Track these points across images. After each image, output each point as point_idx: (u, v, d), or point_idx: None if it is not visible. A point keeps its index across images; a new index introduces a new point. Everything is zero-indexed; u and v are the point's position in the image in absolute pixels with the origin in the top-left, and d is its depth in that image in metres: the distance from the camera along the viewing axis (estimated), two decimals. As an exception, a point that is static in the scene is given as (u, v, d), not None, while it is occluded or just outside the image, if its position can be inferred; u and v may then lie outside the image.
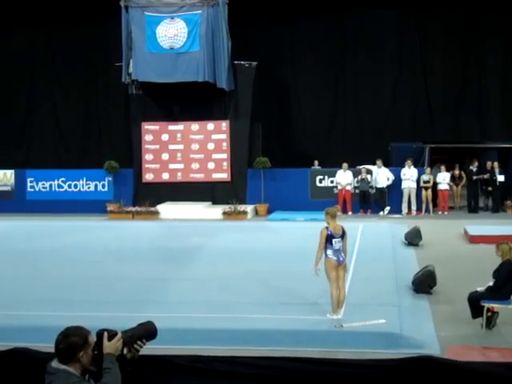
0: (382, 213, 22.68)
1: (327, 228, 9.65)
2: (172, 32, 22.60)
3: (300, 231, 19.10)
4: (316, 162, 24.39)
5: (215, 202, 23.84)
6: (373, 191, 23.10)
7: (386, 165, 23.12)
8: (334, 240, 9.58)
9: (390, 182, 22.78)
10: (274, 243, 16.85)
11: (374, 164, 22.96)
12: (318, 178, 23.68)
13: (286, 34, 25.23)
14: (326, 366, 5.03)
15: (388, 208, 22.79)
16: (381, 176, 22.78)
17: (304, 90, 25.59)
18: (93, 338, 4.05)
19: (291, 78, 25.67)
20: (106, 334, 4.06)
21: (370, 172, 23.09)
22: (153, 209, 22.95)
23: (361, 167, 23.09)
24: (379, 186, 22.80)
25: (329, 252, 9.57)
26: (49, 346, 4.39)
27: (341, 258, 9.62)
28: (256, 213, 23.27)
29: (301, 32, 25.14)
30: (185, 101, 23.83)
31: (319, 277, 9.44)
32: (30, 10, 25.54)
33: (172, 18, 22.63)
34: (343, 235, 9.71)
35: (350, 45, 25.36)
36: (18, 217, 22.49)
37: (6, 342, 6.87)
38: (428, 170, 23.06)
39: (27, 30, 26.01)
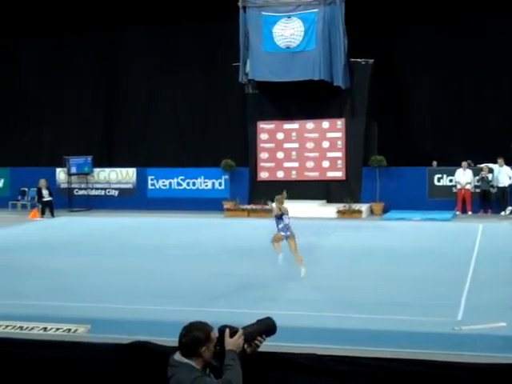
0: (503, 213, 21.92)
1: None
2: (288, 31, 22.75)
3: (417, 231, 18.79)
4: (434, 163, 23.86)
5: (330, 200, 23.79)
6: (494, 190, 22.37)
7: (507, 163, 22.33)
8: (284, 216, 12.32)
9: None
10: (389, 243, 16.63)
11: (495, 162, 22.26)
12: (437, 176, 23.18)
13: (402, 32, 24.71)
14: (443, 369, 4.95)
15: (510, 208, 22.00)
16: (502, 175, 22.04)
17: (421, 89, 25.01)
18: (215, 334, 4.17)
19: (409, 76, 25.11)
20: (227, 330, 4.16)
21: (491, 171, 22.39)
22: (267, 207, 23.13)
23: (482, 165, 22.42)
24: (501, 185, 22.06)
25: (280, 227, 12.25)
26: (172, 340, 4.55)
27: (288, 233, 12.20)
28: (371, 212, 23.04)
29: (418, 30, 24.57)
30: (300, 99, 23.89)
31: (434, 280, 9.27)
32: (151, 10, 26.29)
33: (289, 17, 22.79)
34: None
35: (468, 43, 24.55)
36: (139, 213, 23.31)
37: (130, 335, 7.15)
38: (553, 168, 22.11)
39: (148, 28, 26.85)
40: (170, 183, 25.59)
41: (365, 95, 23.55)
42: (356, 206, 22.46)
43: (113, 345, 6.33)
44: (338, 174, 24.07)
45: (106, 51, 27.57)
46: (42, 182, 24.41)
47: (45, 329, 7.98)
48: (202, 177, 25.30)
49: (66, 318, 8.43)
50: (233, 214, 23.13)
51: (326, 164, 24.16)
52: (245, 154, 25.16)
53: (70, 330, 7.93)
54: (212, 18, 25.50)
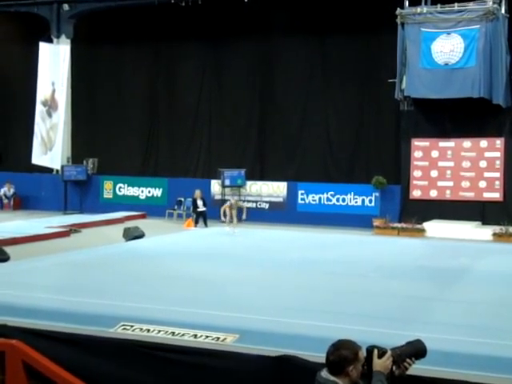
0: None
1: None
2: (448, 47, 22.23)
3: None
4: None
5: (485, 222, 22.97)
6: None
7: None
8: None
9: None
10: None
11: None
12: None
13: None
14: None
15: None
16: None
17: None
18: (363, 354, 4.13)
19: None
20: (375, 351, 4.11)
21: None
22: (419, 226, 22.68)
23: None
24: None
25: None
26: (319, 356, 4.55)
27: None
28: (530, 236, 21.97)
29: None
30: (456, 117, 23.33)
31: None
32: (306, 22, 26.54)
33: (448, 33, 22.28)
34: None
35: None
36: (288, 227, 23.54)
37: (277, 347, 7.23)
38: None
39: (303, 41, 27.10)
40: (320, 198, 25.68)
41: (526, 114, 22.63)
42: (514, 230, 21.55)
43: (261, 356, 6.43)
44: (495, 195, 23.23)
45: (261, 63, 28.12)
46: (198, 193, 25.27)
47: (195, 336, 8.21)
48: (352, 193, 25.20)
49: (215, 326, 8.63)
50: (382, 232, 22.84)
51: (482, 184, 23.38)
52: (397, 171, 24.82)
53: (218, 338, 8.12)
54: (368, 33, 25.47)
